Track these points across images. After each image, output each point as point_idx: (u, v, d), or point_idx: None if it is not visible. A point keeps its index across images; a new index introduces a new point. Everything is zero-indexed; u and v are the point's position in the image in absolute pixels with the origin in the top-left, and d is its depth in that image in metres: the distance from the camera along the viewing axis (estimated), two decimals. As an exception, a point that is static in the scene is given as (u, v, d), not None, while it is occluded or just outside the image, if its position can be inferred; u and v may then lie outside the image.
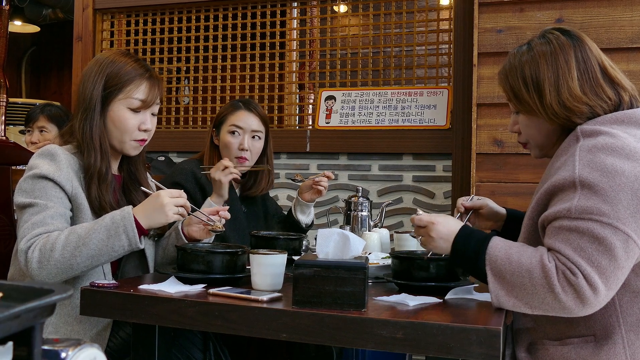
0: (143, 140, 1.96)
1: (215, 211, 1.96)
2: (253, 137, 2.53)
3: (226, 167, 2.28)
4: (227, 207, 2.03)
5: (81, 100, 1.90)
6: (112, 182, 1.91)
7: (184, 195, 1.79)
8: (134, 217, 1.72)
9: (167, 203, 1.73)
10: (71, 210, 1.82)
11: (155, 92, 1.94)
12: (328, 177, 2.52)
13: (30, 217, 1.74)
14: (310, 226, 2.68)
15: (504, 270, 1.39)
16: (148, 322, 1.56)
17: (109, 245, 1.69)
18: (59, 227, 1.74)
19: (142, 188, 1.91)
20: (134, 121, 1.91)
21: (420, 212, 1.62)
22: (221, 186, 2.27)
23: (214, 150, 2.57)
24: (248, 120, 2.52)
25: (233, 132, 2.51)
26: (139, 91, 1.91)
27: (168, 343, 1.73)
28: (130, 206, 1.75)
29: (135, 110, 1.92)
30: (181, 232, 1.99)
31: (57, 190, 1.78)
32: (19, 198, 1.79)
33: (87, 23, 4.12)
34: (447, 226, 1.55)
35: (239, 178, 2.41)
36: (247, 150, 2.50)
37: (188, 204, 1.79)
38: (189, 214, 1.83)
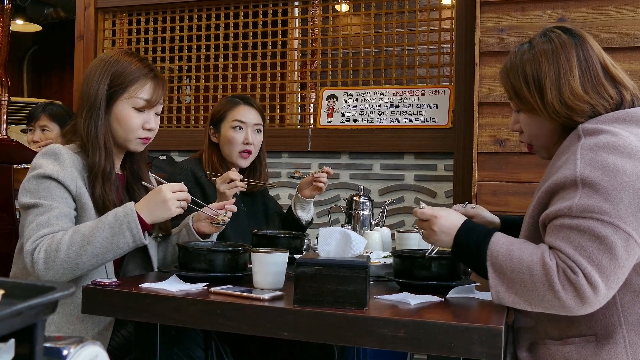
0: (147, 139, 1.97)
1: (222, 205, 1.98)
2: (254, 130, 2.56)
3: (232, 180, 2.27)
4: (234, 200, 2.05)
5: (85, 99, 1.91)
6: (115, 181, 1.92)
7: (185, 188, 1.80)
8: (137, 213, 1.72)
9: (169, 198, 1.74)
10: (75, 209, 1.83)
11: (159, 92, 1.95)
12: (327, 173, 2.53)
13: (35, 217, 1.75)
14: (310, 223, 2.68)
15: (505, 266, 1.39)
16: (149, 321, 1.56)
17: (113, 242, 1.70)
18: (63, 228, 1.74)
19: (143, 183, 1.92)
20: (138, 120, 1.92)
21: (423, 205, 1.62)
22: (226, 199, 2.26)
23: (212, 149, 2.57)
24: (249, 115, 2.55)
25: (236, 127, 2.52)
26: (144, 91, 1.92)
27: (170, 341, 1.73)
28: (133, 202, 1.76)
29: (140, 110, 1.92)
30: (192, 228, 2.00)
31: (62, 190, 1.79)
32: (23, 198, 1.79)
33: (89, 22, 4.12)
34: (449, 220, 1.55)
35: (244, 190, 2.41)
36: (251, 143, 2.53)
37: (189, 197, 1.80)
38: (189, 206, 1.84)
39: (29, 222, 1.75)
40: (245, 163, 2.55)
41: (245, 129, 2.53)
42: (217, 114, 2.58)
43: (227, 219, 1.96)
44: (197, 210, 1.99)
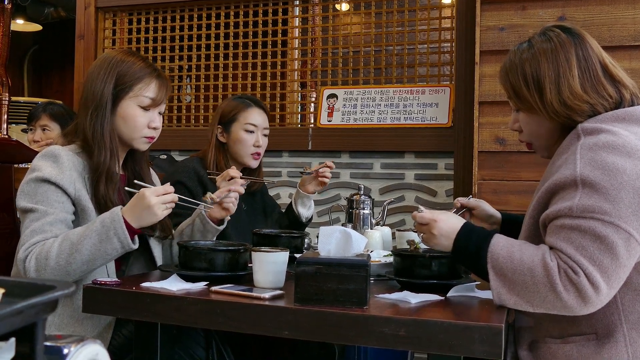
0: (152, 138, 1.97)
1: (227, 189, 2.00)
2: (263, 134, 2.60)
3: (232, 178, 2.27)
4: (240, 183, 2.09)
5: (90, 99, 1.90)
6: (117, 182, 1.91)
7: (170, 189, 1.76)
8: (124, 218, 1.70)
9: (154, 203, 1.70)
10: (74, 213, 1.82)
11: (164, 90, 1.97)
12: (330, 167, 2.55)
13: (30, 223, 1.75)
14: (310, 221, 2.68)
15: (506, 268, 1.39)
16: (150, 320, 1.56)
17: (101, 249, 1.69)
18: (56, 234, 1.73)
19: (126, 188, 1.85)
20: (143, 119, 1.93)
21: (422, 209, 1.62)
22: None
23: (219, 148, 2.57)
24: (261, 119, 2.59)
25: (248, 130, 2.54)
26: (149, 89, 1.93)
27: (170, 341, 1.74)
28: (120, 207, 1.74)
29: (145, 109, 1.93)
30: (205, 215, 2.02)
31: (59, 194, 1.78)
32: (20, 201, 1.79)
33: (89, 21, 4.12)
34: (448, 223, 1.55)
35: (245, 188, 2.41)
36: (260, 146, 2.57)
37: (175, 197, 1.77)
38: (179, 205, 1.82)
39: (24, 228, 1.76)
40: (255, 164, 2.59)
41: (256, 132, 2.56)
42: (228, 114, 2.58)
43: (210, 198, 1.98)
44: (186, 208, 1.99)
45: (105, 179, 1.85)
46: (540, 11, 2.78)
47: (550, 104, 1.53)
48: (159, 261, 2.00)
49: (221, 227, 2.06)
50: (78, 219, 1.83)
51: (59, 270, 1.68)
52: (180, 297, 1.50)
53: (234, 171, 2.28)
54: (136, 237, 1.75)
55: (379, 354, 2.53)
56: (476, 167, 2.84)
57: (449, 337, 1.29)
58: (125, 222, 1.70)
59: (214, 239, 2.08)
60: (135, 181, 1.84)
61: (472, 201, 1.93)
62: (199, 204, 1.98)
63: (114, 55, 1.95)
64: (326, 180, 2.55)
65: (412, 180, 3.38)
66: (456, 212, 1.89)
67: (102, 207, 1.83)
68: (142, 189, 1.73)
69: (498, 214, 1.91)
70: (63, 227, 1.76)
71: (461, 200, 1.93)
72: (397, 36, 3.69)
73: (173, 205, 1.77)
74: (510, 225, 1.83)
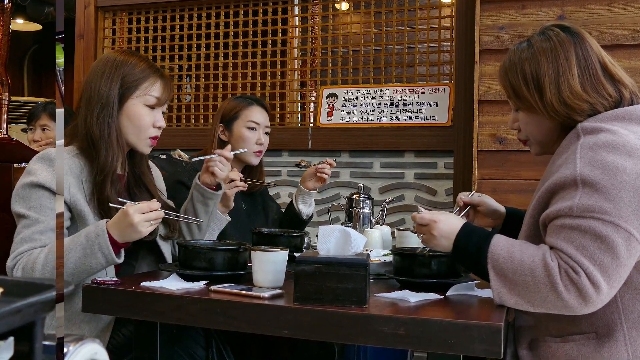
0: (156, 137, 1.97)
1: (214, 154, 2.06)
2: (264, 132, 2.61)
3: (232, 180, 2.27)
4: (230, 147, 2.15)
5: (95, 100, 1.88)
6: (119, 185, 1.91)
7: (155, 206, 1.72)
8: (109, 232, 1.69)
9: (137, 222, 1.67)
10: (71, 219, 1.81)
11: (168, 90, 1.98)
12: (330, 165, 2.57)
13: (21, 230, 1.75)
14: (310, 218, 2.69)
15: (506, 268, 1.39)
16: (150, 320, 1.56)
17: (86, 263, 1.68)
18: (45, 243, 1.73)
19: (111, 204, 1.82)
20: (149, 118, 1.93)
21: (421, 209, 1.62)
22: (226, 198, 2.25)
23: (221, 147, 2.57)
24: (262, 117, 2.60)
25: (250, 128, 2.55)
26: (155, 89, 1.93)
27: (170, 340, 1.74)
28: (105, 221, 1.71)
29: (151, 107, 1.93)
30: (200, 185, 2.06)
31: (53, 200, 1.77)
32: (14, 205, 1.78)
33: (89, 21, 4.12)
34: (448, 224, 1.54)
35: (245, 190, 2.41)
36: (262, 144, 2.58)
37: (160, 214, 1.73)
38: (165, 219, 1.82)
39: (16, 234, 1.75)
40: (256, 161, 2.59)
41: (258, 130, 2.57)
42: (229, 112, 2.58)
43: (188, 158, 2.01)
44: (170, 220, 2.00)
45: (110, 180, 1.84)
46: (539, 10, 2.78)
47: (550, 104, 1.53)
48: (169, 259, 2.01)
49: (219, 192, 2.09)
50: (75, 223, 1.82)
51: None
52: (180, 296, 1.50)
53: (234, 174, 2.27)
54: (122, 252, 1.74)
55: (378, 353, 2.53)
56: (476, 166, 2.84)
57: (448, 335, 1.29)
58: (110, 236, 1.69)
59: (216, 207, 2.12)
60: (119, 199, 1.81)
61: (475, 198, 1.92)
62: (187, 218, 1.98)
63: (116, 56, 1.95)
64: (325, 176, 2.56)
65: (412, 180, 3.38)
66: (460, 211, 1.89)
67: (105, 209, 1.82)
68: (126, 206, 1.71)
69: (502, 209, 1.90)
70: (53, 235, 1.75)
71: (464, 199, 1.91)
72: (397, 35, 3.69)
73: (159, 221, 1.75)
74: (514, 221, 1.82)
